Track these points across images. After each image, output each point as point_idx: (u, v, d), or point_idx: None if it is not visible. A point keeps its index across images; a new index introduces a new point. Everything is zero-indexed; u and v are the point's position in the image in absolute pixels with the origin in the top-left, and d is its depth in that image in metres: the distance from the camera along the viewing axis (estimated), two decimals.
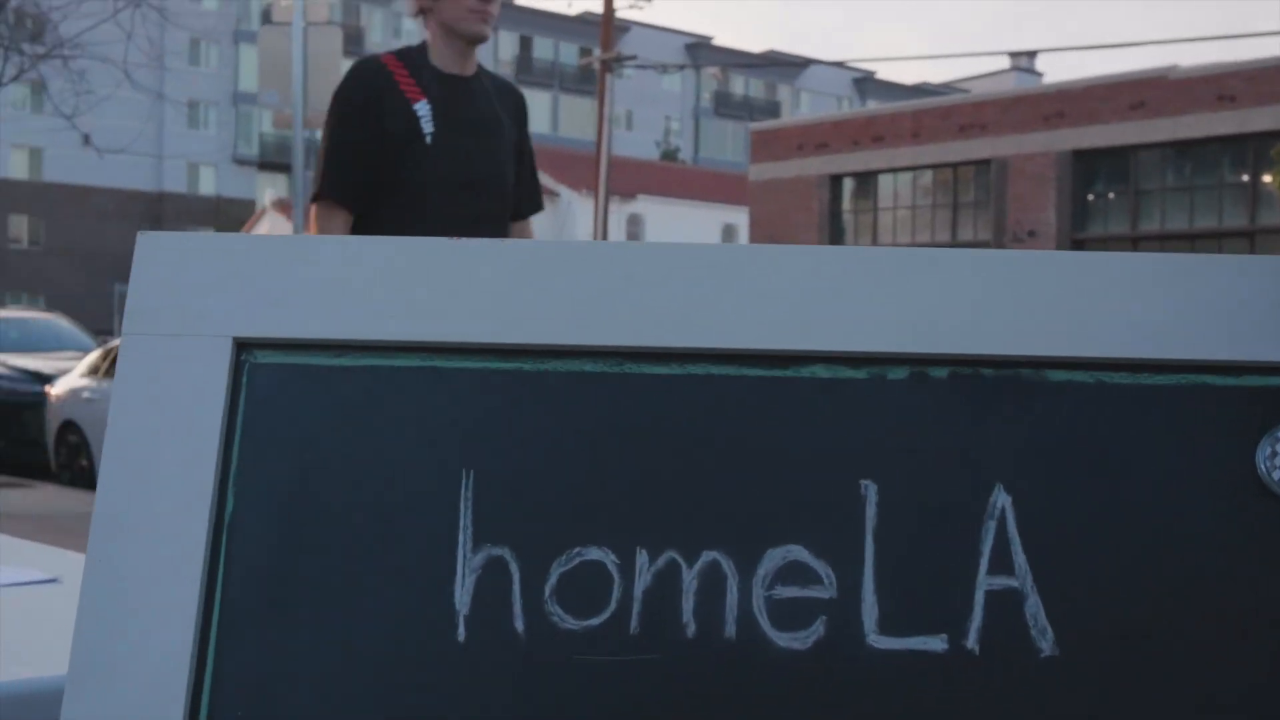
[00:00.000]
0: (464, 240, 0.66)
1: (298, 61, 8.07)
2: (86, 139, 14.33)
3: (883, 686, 0.61)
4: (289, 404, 0.65)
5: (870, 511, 0.63)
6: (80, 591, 0.61)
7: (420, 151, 2.11)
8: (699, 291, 0.65)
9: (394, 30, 42.29)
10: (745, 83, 43.65)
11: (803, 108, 42.50)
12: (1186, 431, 0.64)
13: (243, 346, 0.65)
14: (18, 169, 39.15)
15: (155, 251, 0.67)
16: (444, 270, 0.66)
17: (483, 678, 0.61)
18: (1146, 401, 0.64)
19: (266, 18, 7.94)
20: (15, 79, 10.45)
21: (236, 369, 0.65)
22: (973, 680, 0.61)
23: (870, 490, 0.63)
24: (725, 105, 42.61)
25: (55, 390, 9.46)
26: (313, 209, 2.12)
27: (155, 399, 0.64)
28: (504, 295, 0.66)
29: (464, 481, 0.64)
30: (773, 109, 42.03)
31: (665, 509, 0.63)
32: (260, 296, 0.66)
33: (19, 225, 40.34)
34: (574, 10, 35.69)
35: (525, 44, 42.48)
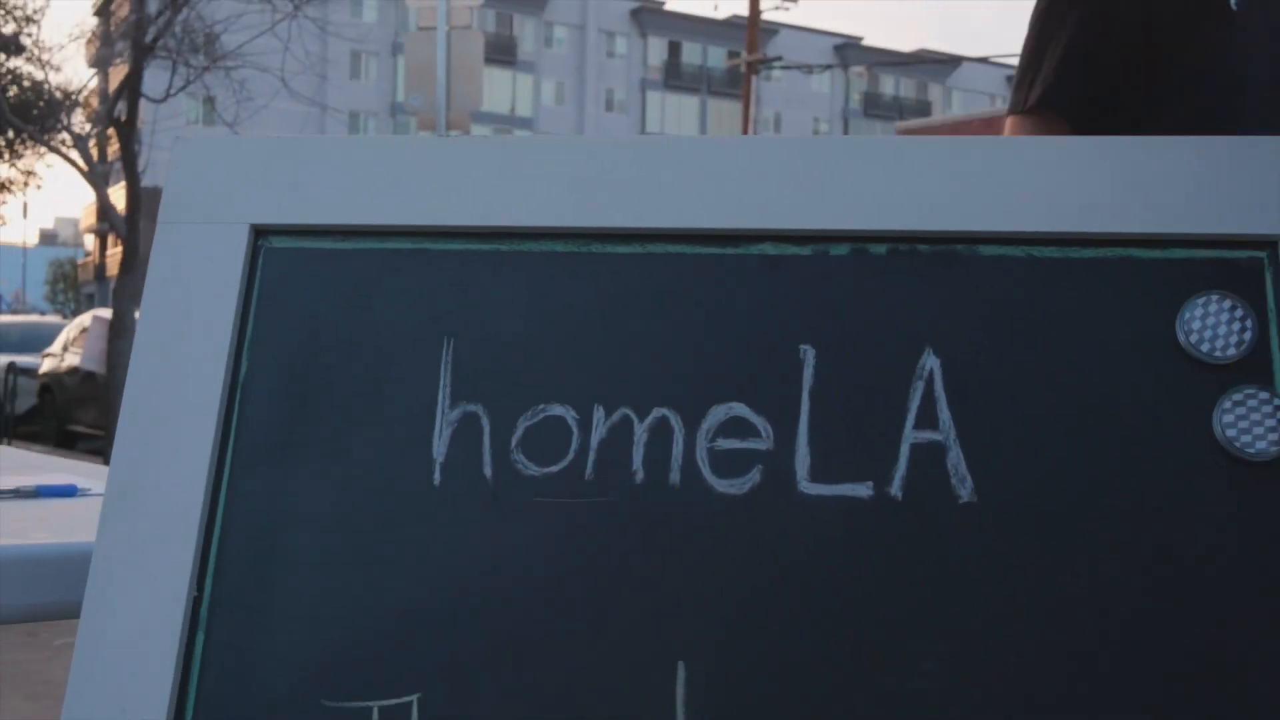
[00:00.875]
0: (451, 138, 0.74)
1: (441, 65, 8.34)
2: None
3: (812, 529, 0.66)
4: (297, 282, 0.74)
5: (808, 373, 0.68)
6: (117, 434, 0.70)
7: (1219, 28, 1.26)
8: (660, 179, 0.72)
9: (545, 40, 43.03)
10: (895, 83, 43.13)
11: (954, 107, 41.80)
12: (1110, 301, 0.68)
13: (259, 232, 0.75)
14: None
15: (190, 152, 0.77)
16: (435, 164, 0.74)
17: (455, 516, 0.69)
18: (1073, 273, 0.68)
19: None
20: (183, 89, 11.02)
21: (253, 252, 0.74)
22: (896, 524, 0.66)
23: (809, 354, 0.69)
24: (874, 105, 42.17)
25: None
26: (1011, 122, 1.34)
27: (182, 277, 0.74)
28: (485, 185, 0.73)
29: (445, 348, 0.72)
30: (923, 108, 41.44)
31: (621, 372, 0.70)
32: (276, 188, 0.75)
33: None
34: (721, 14, 35.80)
35: (674, 49, 42.79)
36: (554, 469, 0.69)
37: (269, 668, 0.67)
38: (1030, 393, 0.67)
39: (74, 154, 11.98)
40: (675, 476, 0.68)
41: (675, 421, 0.69)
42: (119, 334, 10.91)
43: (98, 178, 12.23)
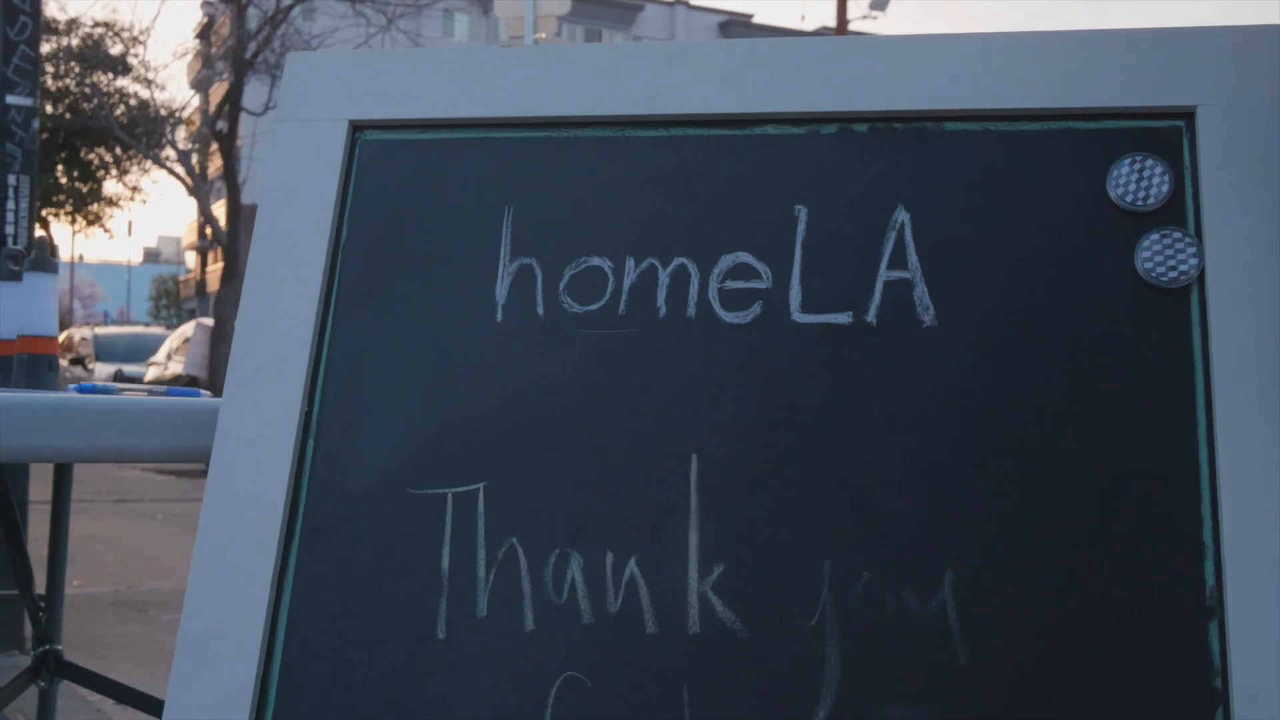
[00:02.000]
0: (507, 47, 0.90)
1: None
2: None
3: (801, 350, 0.81)
4: (386, 166, 0.90)
5: (800, 227, 0.83)
6: (244, 287, 0.88)
7: None
8: (679, 75, 0.87)
9: None
10: None
11: None
12: (1053, 165, 0.81)
13: (356, 127, 0.91)
14: None
15: (299, 65, 0.94)
16: (497, 68, 0.90)
17: (513, 346, 0.85)
18: (1022, 143, 0.82)
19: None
20: None
21: (351, 143, 0.91)
22: (870, 345, 0.80)
23: (802, 212, 0.84)
24: None
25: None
26: None
27: (294, 165, 0.91)
28: (537, 84, 0.89)
29: (505, 214, 0.88)
30: None
31: (648, 230, 0.85)
32: (369, 91, 0.92)
33: None
34: (809, 25, 35.86)
35: None
36: (593, 308, 0.84)
37: (366, 464, 0.83)
38: (983, 240, 0.81)
39: (179, 168, 12.47)
40: (691, 311, 0.83)
41: (692, 268, 0.84)
42: (220, 340, 11.32)
43: (200, 191, 12.70)
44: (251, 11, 10.64)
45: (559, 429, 0.82)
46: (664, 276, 0.84)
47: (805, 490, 0.78)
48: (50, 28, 15.04)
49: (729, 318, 0.82)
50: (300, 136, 0.91)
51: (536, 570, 0.79)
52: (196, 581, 0.82)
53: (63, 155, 16.24)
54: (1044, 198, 0.81)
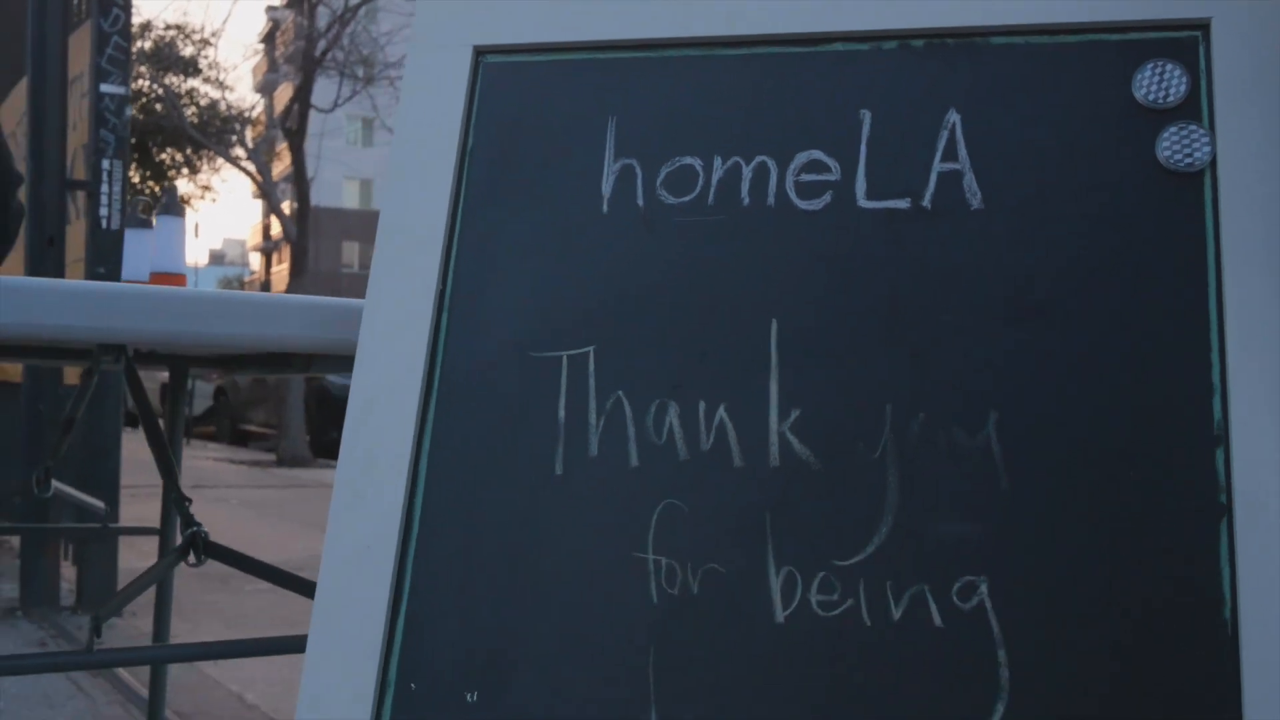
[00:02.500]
0: None
1: None
2: None
3: (866, 231, 0.94)
4: (505, 85, 1.05)
5: (865, 128, 0.97)
6: (383, 193, 1.02)
7: None
8: (760, 0, 1.01)
9: None
10: None
11: None
12: (1084, 71, 0.94)
13: (479, 51, 1.06)
14: (350, 199, 42.62)
15: (428, 2, 1.09)
16: None
17: (617, 234, 0.99)
18: (1059, 54, 0.95)
19: None
20: (349, 99, 11.73)
21: (475, 65, 1.06)
22: (926, 226, 0.93)
23: (866, 115, 0.97)
24: None
25: None
26: None
27: (426, 85, 1.05)
28: (635, 10, 1.03)
29: (609, 123, 1.02)
30: None
31: (733, 132, 0.99)
32: (491, 20, 1.06)
33: (351, 251, 43.86)
34: None
35: None
36: (686, 199, 0.98)
37: (492, 333, 0.98)
38: (1024, 136, 0.94)
39: (249, 165, 12.80)
40: (770, 200, 0.97)
41: (771, 164, 0.97)
42: None
43: (269, 188, 13.01)
44: (320, 11, 10.90)
45: (657, 300, 0.96)
46: (747, 172, 0.98)
47: (869, 346, 0.91)
48: None
49: (803, 205, 0.96)
50: (430, 62, 1.06)
51: (639, 417, 0.94)
52: (350, 432, 0.97)
53: (136, 156, 16.69)
54: (1076, 99, 0.94)
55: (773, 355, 0.93)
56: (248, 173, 12.62)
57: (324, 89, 11.51)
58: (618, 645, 0.89)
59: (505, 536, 0.93)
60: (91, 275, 4.32)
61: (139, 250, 1.72)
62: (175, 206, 1.70)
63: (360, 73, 11.61)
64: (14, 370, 5.02)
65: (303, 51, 10.99)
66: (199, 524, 1.33)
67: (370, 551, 0.93)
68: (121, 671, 3.43)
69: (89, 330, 1.11)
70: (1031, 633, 0.83)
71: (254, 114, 15.52)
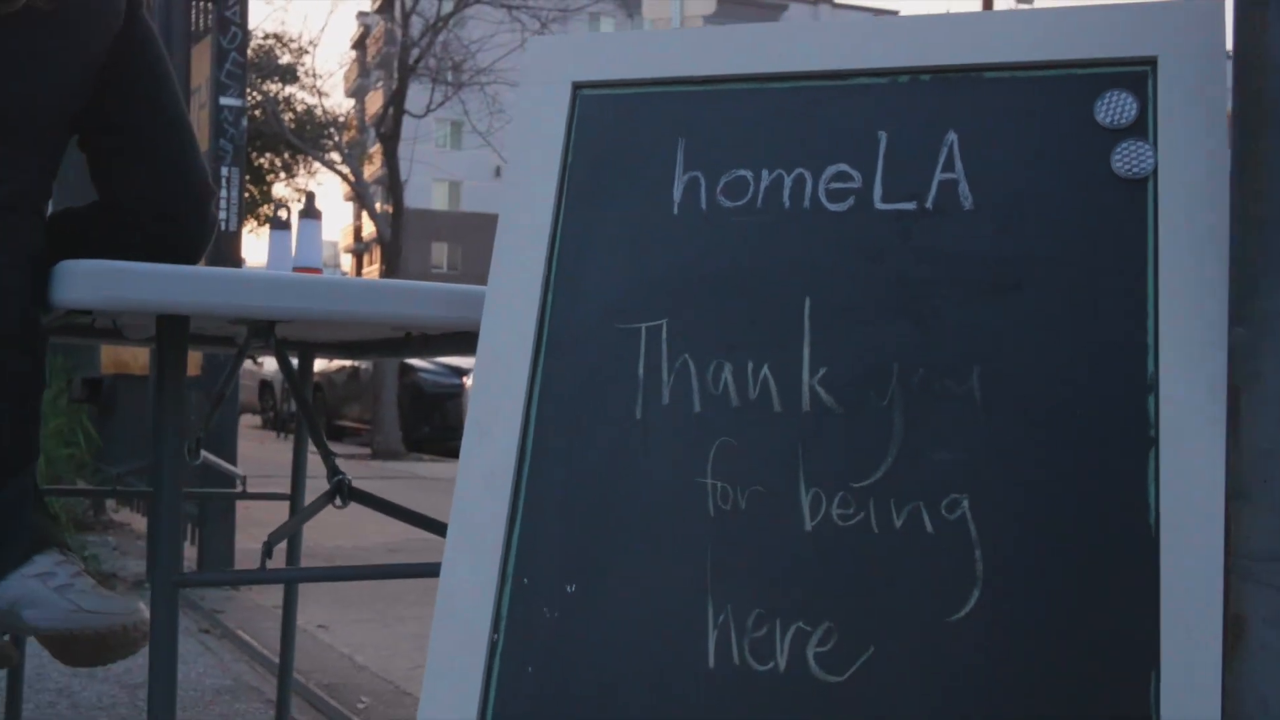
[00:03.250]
0: (680, 30, 1.31)
1: None
2: (498, 171, 16.37)
3: (882, 225, 1.20)
4: (598, 111, 1.32)
5: (882, 144, 1.22)
6: (502, 197, 1.30)
7: None
8: (800, 44, 1.27)
9: None
10: None
11: None
12: (1057, 98, 1.18)
13: (577, 86, 1.33)
14: (439, 201, 43.36)
15: (536, 45, 1.36)
16: (676, 41, 1.31)
17: (685, 229, 1.25)
18: (1037, 84, 1.19)
19: None
20: (441, 104, 12.13)
21: (573, 99, 1.33)
22: (927, 222, 1.18)
23: (883, 135, 1.22)
24: None
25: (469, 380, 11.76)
26: None
27: (534, 114, 1.33)
28: (702, 48, 1.29)
29: (679, 143, 1.28)
30: None
31: (778, 149, 1.25)
32: (587, 60, 1.33)
33: (440, 252, 44.63)
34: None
35: None
36: (740, 203, 1.25)
37: (586, 308, 1.25)
38: (1007, 151, 1.18)
39: (344, 169, 13.26)
40: (806, 204, 1.22)
41: (807, 175, 1.23)
42: None
43: (363, 191, 13.47)
44: (414, 20, 11.31)
45: (715, 282, 1.22)
46: (788, 181, 1.24)
47: (881, 315, 1.17)
48: None
49: (832, 207, 1.22)
50: (539, 94, 1.34)
51: (701, 374, 1.20)
52: (478, 381, 1.24)
53: None
54: (1050, 121, 1.18)
55: (805, 324, 1.19)
56: (342, 175, 13.09)
57: (416, 94, 11.93)
58: (682, 549, 1.16)
59: (596, 466, 1.20)
60: None
61: (281, 249, 2.02)
62: (312, 210, 1.99)
63: (451, 78, 12.01)
64: (136, 364, 5.42)
65: (397, 58, 11.41)
66: (343, 473, 1.62)
67: (494, 476, 1.21)
68: (243, 633, 3.77)
69: (264, 310, 1.40)
70: (1001, 537, 1.08)
71: (347, 119, 16.03)
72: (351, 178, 12.97)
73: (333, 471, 1.63)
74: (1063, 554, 1.06)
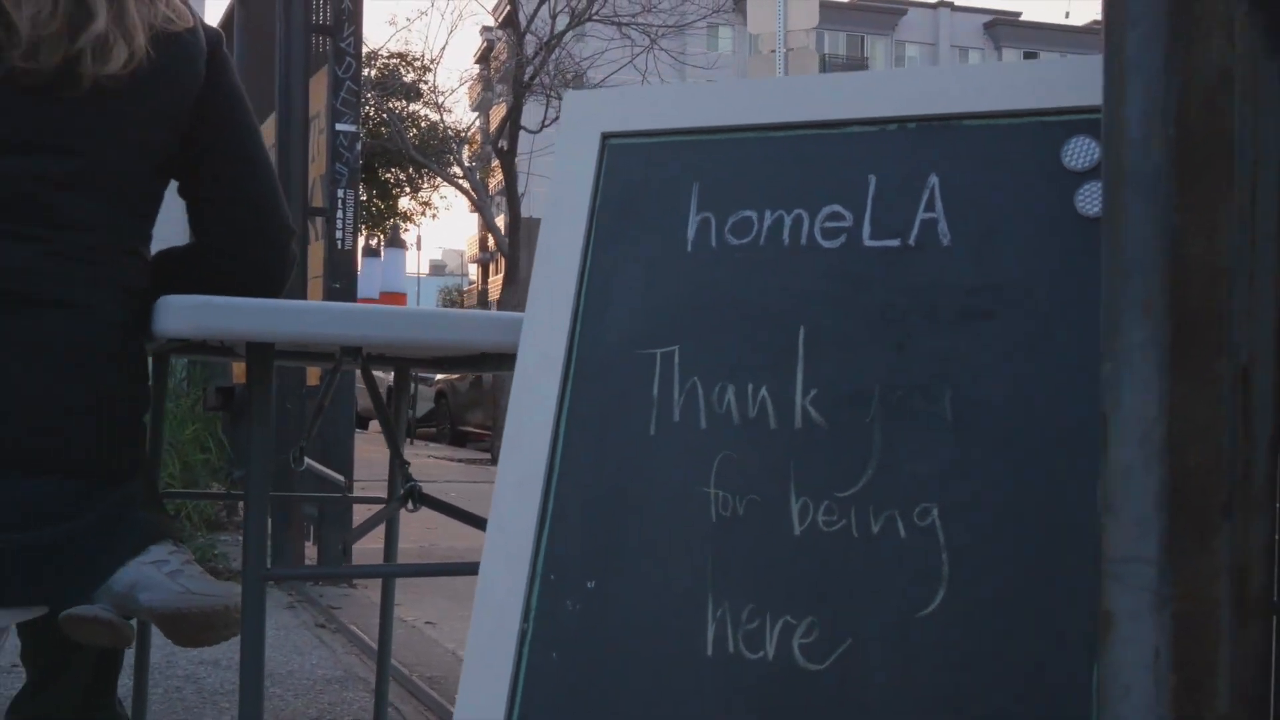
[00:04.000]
0: (697, 83, 1.46)
1: None
2: None
3: (869, 262, 1.33)
4: (624, 159, 1.48)
5: (871, 187, 1.35)
6: (540, 233, 1.46)
7: None
8: (797, 96, 1.41)
9: (896, 59, 43.17)
10: None
11: None
12: (1028, 144, 1.30)
13: (605, 136, 1.49)
14: None
15: (571, 99, 1.52)
16: (690, 96, 1.46)
17: (696, 263, 1.40)
18: (1011, 131, 1.32)
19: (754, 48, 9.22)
20: (555, 120, 12.43)
21: (602, 147, 1.49)
22: (910, 257, 1.31)
23: (872, 179, 1.36)
24: None
25: None
26: None
27: (569, 159, 1.49)
28: (710, 102, 1.44)
29: (693, 187, 1.43)
30: None
31: (778, 191, 1.39)
32: (614, 113, 1.49)
33: None
34: (1077, 21, 34.91)
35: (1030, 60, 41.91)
36: (745, 240, 1.39)
37: (610, 334, 1.40)
38: (981, 191, 1.31)
39: (465, 183, 13.66)
40: (803, 241, 1.36)
41: (804, 214, 1.37)
42: None
43: (483, 204, 13.84)
44: (529, 39, 11.63)
45: (722, 312, 1.37)
46: (788, 220, 1.38)
47: (867, 343, 1.30)
48: None
49: (825, 244, 1.35)
50: (573, 143, 1.50)
51: (707, 394, 1.35)
52: (514, 400, 1.41)
53: (364, 176, 17.93)
54: (1021, 164, 1.30)
55: (800, 350, 1.33)
56: (463, 190, 13.49)
57: (533, 110, 12.25)
58: (687, 550, 1.31)
59: (615, 476, 1.36)
60: (328, 290, 4.95)
61: (371, 274, 2.22)
62: (397, 240, 2.19)
63: (563, 94, 12.31)
64: None
65: (513, 76, 11.74)
66: (415, 480, 1.80)
67: (525, 484, 1.37)
68: (355, 628, 4.01)
69: (332, 336, 1.59)
70: (965, 542, 1.21)
71: (470, 134, 16.47)
72: (473, 193, 13.36)
73: (405, 478, 1.82)
74: (1020, 558, 1.19)
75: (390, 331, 1.54)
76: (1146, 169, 0.83)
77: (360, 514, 5.08)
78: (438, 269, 69.65)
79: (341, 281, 4.94)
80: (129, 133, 1.52)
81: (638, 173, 1.47)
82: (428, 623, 4.29)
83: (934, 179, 1.33)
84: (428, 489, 1.82)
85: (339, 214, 4.96)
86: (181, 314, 1.48)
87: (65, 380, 1.45)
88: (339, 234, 4.97)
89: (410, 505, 1.79)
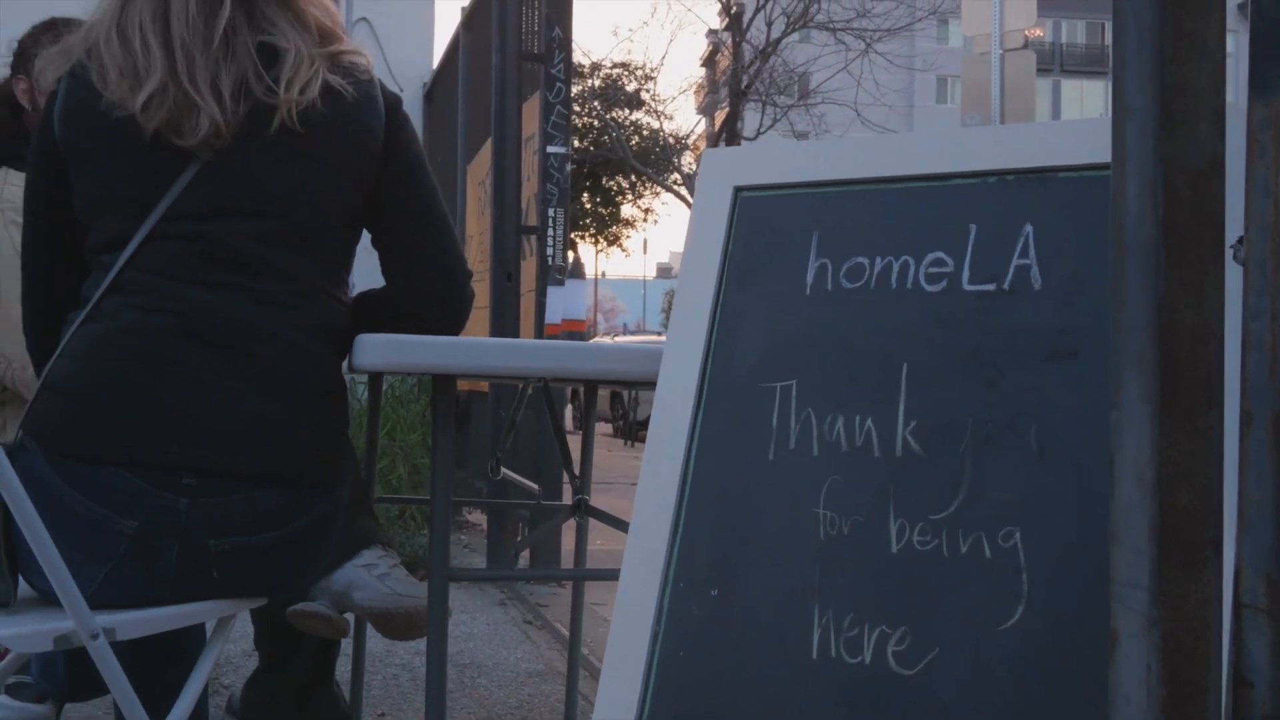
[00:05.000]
0: (805, 142, 1.61)
1: (995, 86, 9.07)
2: None
3: (968, 305, 1.45)
4: (752, 210, 1.64)
5: (972, 235, 1.48)
6: (680, 276, 1.64)
7: None
8: (906, 151, 1.54)
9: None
10: None
11: None
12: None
13: (737, 189, 1.66)
14: None
15: (709, 157, 1.70)
16: (811, 153, 1.62)
17: (813, 305, 1.55)
18: (1099, 182, 1.42)
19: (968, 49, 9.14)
20: (771, 127, 12.59)
21: (734, 199, 1.66)
22: (1005, 299, 1.43)
23: (973, 228, 1.48)
24: None
25: None
26: None
27: (707, 209, 1.67)
28: (829, 159, 1.59)
29: (813, 235, 1.59)
30: None
31: (888, 239, 1.53)
32: (745, 167, 1.66)
33: None
34: None
35: None
36: (857, 285, 1.54)
37: (736, 368, 1.57)
38: (1074, 239, 1.42)
39: (684, 191, 13.96)
40: (909, 285, 1.50)
41: (910, 261, 1.51)
42: None
43: None
44: (745, 47, 11.82)
45: (835, 350, 1.52)
46: (896, 266, 1.52)
47: (963, 379, 1.43)
48: (577, 72, 17.21)
49: (929, 288, 1.49)
50: (708, 195, 1.68)
51: (820, 424, 1.50)
52: (653, 425, 1.60)
53: (587, 184, 18.50)
54: (1106, 214, 1.40)
55: (902, 385, 1.47)
56: (682, 198, 13.79)
57: (752, 118, 12.44)
58: (797, 564, 1.46)
59: (737, 495, 1.53)
60: (540, 304, 5.26)
61: (555, 303, 2.45)
62: (578, 271, 2.41)
63: (779, 101, 12.46)
64: (485, 382, 6.10)
65: (730, 86, 11.96)
66: (585, 494, 2.01)
67: (661, 501, 1.56)
68: (559, 625, 4.28)
69: (500, 369, 1.81)
70: (1045, 563, 1.33)
71: (692, 140, 16.80)
72: (692, 200, 13.64)
73: (575, 491, 2.03)
74: (1091, 579, 1.30)
75: (548, 364, 1.76)
76: (1141, 241, 0.94)
77: (567, 557, 5.34)
78: (664, 272, 70.57)
79: (550, 292, 5.24)
80: (315, 194, 1.77)
81: (765, 222, 1.63)
82: None
83: (1029, 227, 1.45)
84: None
85: (550, 232, 5.26)
86: (375, 351, 1.73)
87: (278, 406, 1.71)
88: (550, 250, 5.26)
89: (578, 517, 2.00)
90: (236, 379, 1.69)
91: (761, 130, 12.40)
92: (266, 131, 1.71)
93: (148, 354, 1.67)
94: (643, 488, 1.59)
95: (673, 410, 1.60)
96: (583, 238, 19.78)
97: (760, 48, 11.53)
